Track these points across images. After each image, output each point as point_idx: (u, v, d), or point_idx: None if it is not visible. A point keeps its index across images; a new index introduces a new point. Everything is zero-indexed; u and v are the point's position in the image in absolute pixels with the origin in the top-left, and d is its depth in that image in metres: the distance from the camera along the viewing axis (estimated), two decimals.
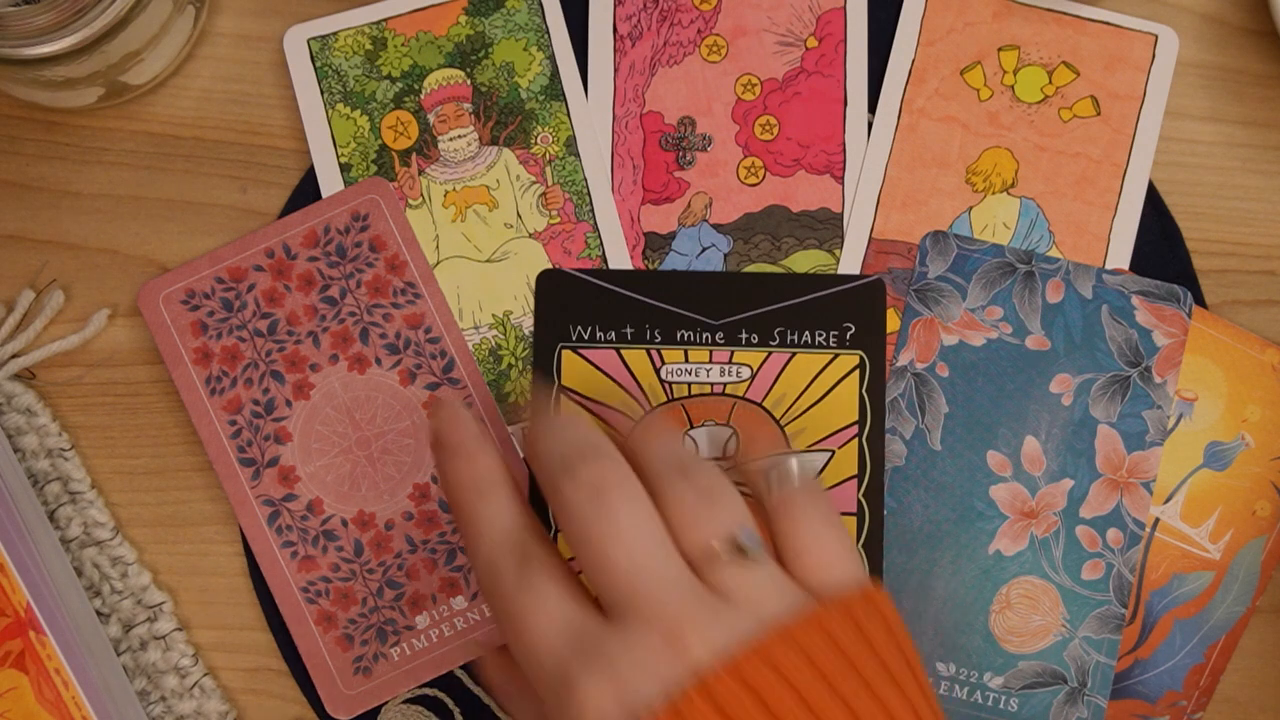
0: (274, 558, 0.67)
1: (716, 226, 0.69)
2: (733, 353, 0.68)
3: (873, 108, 0.70)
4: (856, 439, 0.68)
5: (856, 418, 0.68)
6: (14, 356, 0.68)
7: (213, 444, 0.67)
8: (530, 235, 0.69)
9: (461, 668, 0.67)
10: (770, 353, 0.68)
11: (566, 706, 0.48)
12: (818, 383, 0.68)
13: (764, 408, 0.68)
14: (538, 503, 0.67)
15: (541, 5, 0.70)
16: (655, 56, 0.70)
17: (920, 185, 0.69)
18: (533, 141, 0.69)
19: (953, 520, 0.67)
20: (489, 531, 0.54)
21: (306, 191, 0.69)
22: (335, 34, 0.70)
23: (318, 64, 0.69)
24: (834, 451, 0.67)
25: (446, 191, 0.69)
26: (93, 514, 0.68)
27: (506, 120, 0.69)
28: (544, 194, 0.69)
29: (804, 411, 0.68)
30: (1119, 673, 0.67)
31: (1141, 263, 0.69)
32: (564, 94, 0.70)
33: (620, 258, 0.69)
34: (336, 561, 0.67)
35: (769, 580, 0.51)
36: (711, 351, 0.68)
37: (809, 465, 0.57)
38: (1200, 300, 0.69)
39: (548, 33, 0.70)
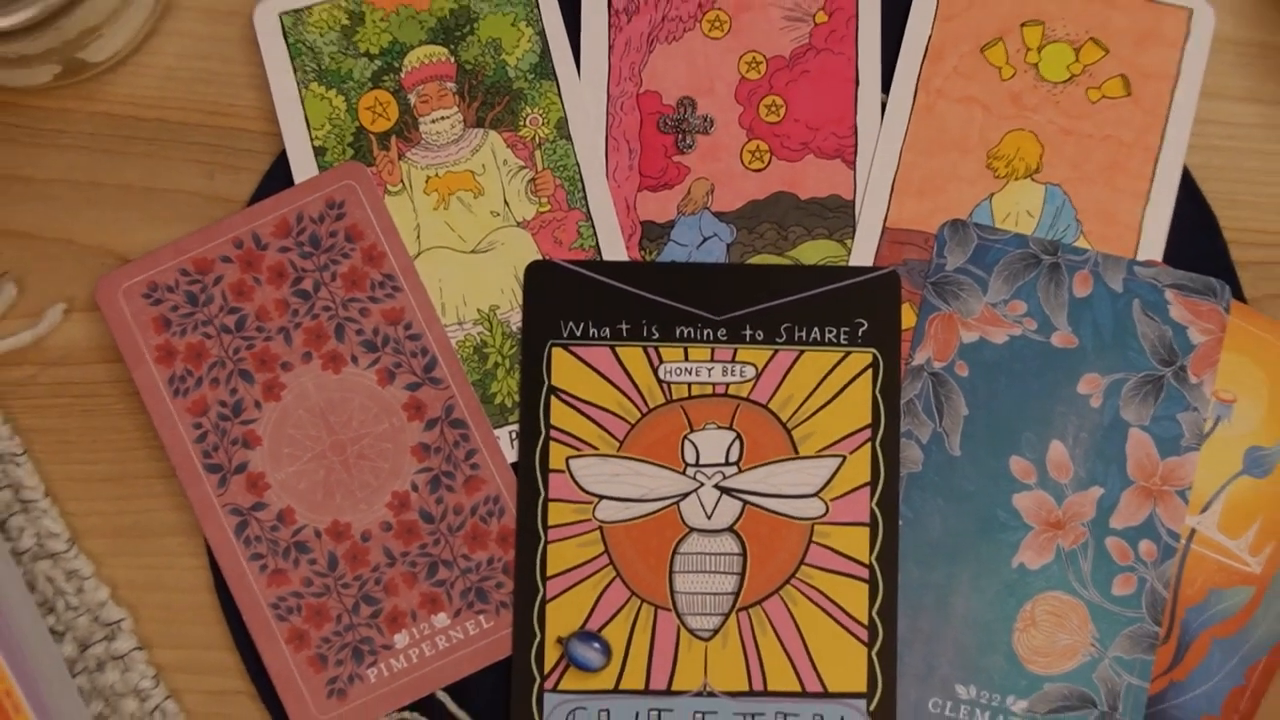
0: (241, 571, 0.67)
1: (719, 215, 0.69)
2: (736, 350, 0.68)
3: (887, 87, 0.70)
4: (869, 443, 0.67)
5: (869, 420, 0.68)
6: None
7: (176, 449, 0.67)
8: (518, 224, 0.69)
9: (444, 689, 0.67)
10: (776, 350, 0.68)
11: None
12: (828, 383, 0.68)
13: (770, 410, 0.68)
14: (527, 507, 0.67)
15: None
16: (653, 32, 0.70)
17: (938, 171, 0.70)
18: (521, 123, 0.70)
19: (973, 531, 0.67)
20: None
21: (278, 177, 0.70)
22: (309, 8, 0.70)
23: (290, 40, 0.70)
24: (845, 457, 0.67)
25: (428, 177, 0.69)
26: (46, 524, 0.68)
27: (493, 101, 0.70)
28: (533, 180, 0.69)
29: (813, 414, 0.68)
30: (1153, 696, 0.67)
31: (1176, 254, 0.69)
32: (555, 72, 0.70)
33: (615, 248, 0.69)
34: (309, 575, 0.67)
35: None
36: (713, 349, 0.68)
37: None
38: (1239, 294, 0.69)
39: (537, 7, 0.70)
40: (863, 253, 0.69)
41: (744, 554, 0.67)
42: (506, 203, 0.69)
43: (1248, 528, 0.67)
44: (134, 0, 0.68)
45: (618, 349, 0.68)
